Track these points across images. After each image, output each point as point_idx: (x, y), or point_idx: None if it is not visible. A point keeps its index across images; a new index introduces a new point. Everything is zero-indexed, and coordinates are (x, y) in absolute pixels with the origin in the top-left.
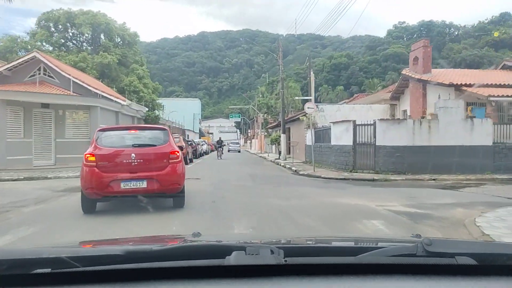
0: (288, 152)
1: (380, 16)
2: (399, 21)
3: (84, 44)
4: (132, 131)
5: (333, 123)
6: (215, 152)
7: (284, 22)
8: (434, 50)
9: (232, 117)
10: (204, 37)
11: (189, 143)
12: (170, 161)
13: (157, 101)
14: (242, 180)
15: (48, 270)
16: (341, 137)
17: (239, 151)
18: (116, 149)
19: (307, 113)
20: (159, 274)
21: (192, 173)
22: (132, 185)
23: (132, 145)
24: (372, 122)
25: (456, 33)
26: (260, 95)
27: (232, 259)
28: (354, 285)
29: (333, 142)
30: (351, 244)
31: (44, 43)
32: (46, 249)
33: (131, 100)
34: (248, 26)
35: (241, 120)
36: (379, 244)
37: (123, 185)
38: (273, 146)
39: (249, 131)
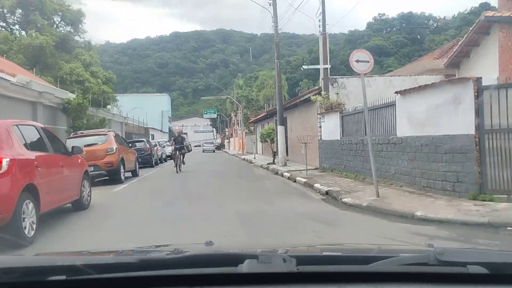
0: (286, 152)
1: (356, 11)
2: (379, 13)
3: (17, 27)
4: None
5: (404, 92)
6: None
7: (259, 23)
8: (416, 42)
9: (206, 113)
10: (177, 37)
11: (136, 144)
12: None
13: (111, 94)
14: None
15: (63, 277)
16: (433, 119)
17: (213, 151)
18: None
19: (320, 92)
20: (172, 282)
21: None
22: None
23: None
24: None
25: (436, 25)
26: (238, 88)
27: (245, 267)
28: None
29: (407, 132)
30: (364, 253)
31: None
32: (60, 257)
33: (73, 92)
34: (223, 26)
35: (217, 117)
36: (392, 253)
37: None
38: (260, 145)
39: (226, 129)
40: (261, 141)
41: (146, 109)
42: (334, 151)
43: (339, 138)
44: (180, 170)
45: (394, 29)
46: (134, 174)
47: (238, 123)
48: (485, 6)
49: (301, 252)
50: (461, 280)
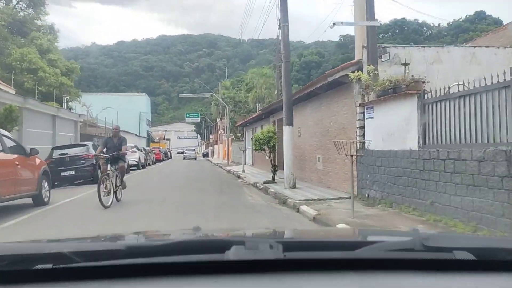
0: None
1: (347, 17)
2: None
3: None
4: None
5: None
6: (157, 163)
7: (246, 29)
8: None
9: (189, 117)
10: (163, 41)
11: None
12: None
13: (71, 87)
14: None
15: (49, 265)
16: None
17: (195, 159)
18: None
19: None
20: (160, 269)
21: None
22: None
23: None
24: None
25: (429, 32)
26: (224, 89)
27: (231, 254)
28: (352, 279)
29: None
30: (350, 239)
31: None
32: (47, 244)
33: (23, 84)
34: (210, 30)
35: (201, 122)
36: (378, 238)
37: None
38: (250, 154)
39: (211, 136)
40: (255, 149)
41: (122, 110)
42: (399, 171)
43: (415, 147)
44: (117, 199)
45: (387, 35)
46: (38, 201)
47: (223, 128)
48: (480, 14)
49: (288, 239)
50: (447, 266)
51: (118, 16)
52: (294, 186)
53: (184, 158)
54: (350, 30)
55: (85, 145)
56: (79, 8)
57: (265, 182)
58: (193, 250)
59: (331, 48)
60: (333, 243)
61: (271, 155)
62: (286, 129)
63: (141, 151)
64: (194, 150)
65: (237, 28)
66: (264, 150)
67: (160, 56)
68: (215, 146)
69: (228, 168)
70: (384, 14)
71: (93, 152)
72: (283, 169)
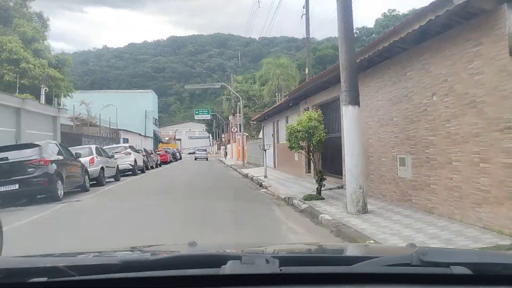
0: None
1: (364, 8)
2: (389, 9)
3: None
4: None
5: None
6: (163, 166)
7: (256, 28)
8: None
9: (198, 114)
10: (174, 42)
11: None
12: None
13: (62, 79)
14: None
15: (44, 279)
16: None
17: (206, 159)
18: None
19: None
20: (155, 283)
21: None
22: None
23: None
24: None
25: None
26: (236, 82)
27: (227, 268)
28: None
29: None
30: (347, 253)
31: None
32: (42, 258)
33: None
34: (220, 30)
35: (212, 119)
36: (374, 254)
37: None
38: (271, 154)
39: (223, 135)
40: (291, 147)
41: (126, 109)
42: None
43: None
44: None
45: None
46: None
47: (237, 125)
48: None
49: (284, 253)
50: (444, 280)
51: (128, 20)
52: (364, 210)
53: (196, 159)
54: (366, 22)
55: (36, 145)
56: (90, 13)
57: (306, 198)
58: (189, 265)
59: None
60: (330, 258)
61: (314, 156)
62: (349, 111)
63: (139, 152)
64: (206, 150)
65: (247, 27)
66: (302, 148)
67: (170, 57)
68: (228, 146)
69: (245, 171)
70: (403, 3)
71: (41, 156)
72: (332, 175)
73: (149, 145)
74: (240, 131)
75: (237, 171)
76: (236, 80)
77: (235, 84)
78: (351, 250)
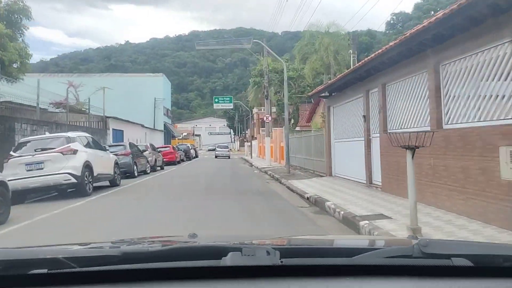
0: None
1: (372, 8)
2: (401, 10)
3: None
4: None
5: None
6: (171, 167)
7: (279, 23)
8: None
9: (218, 102)
10: (195, 37)
11: None
12: None
13: (12, 43)
14: None
15: (44, 270)
16: None
17: (228, 157)
18: None
19: None
20: (156, 275)
21: None
22: None
23: None
24: None
25: None
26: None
27: (228, 260)
28: (350, 286)
29: None
30: (348, 245)
31: None
32: (42, 250)
33: None
34: (243, 25)
35: (234, 111)
36: (376, 245)
37: None
38: (345, 154)
39: (247, 131)
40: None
41: (130, 95)
42: None
43: None
44: None
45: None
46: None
47: (267, 118)
48: None
49: (285, 245)
50: (445, 272)
51: (151, 16)
52: None
53: (216, 157)
54: (404, 7)
55: None
56: (115, 10)
57: None
58: (190, 256)
59: (383, 24)
60: (330, 249)
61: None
62: None
63: (124, 150)
64: (227, 147)
65: (269, 22)
66: None
67: (192, 52)
68: (253, 142)
69: (299, 186)
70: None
71: None
72: None
73: (158, 140)
74: (279, 117)
75: (281, 183)
76: (263, 63)
77: (268, 61)
78: (352, 242)
